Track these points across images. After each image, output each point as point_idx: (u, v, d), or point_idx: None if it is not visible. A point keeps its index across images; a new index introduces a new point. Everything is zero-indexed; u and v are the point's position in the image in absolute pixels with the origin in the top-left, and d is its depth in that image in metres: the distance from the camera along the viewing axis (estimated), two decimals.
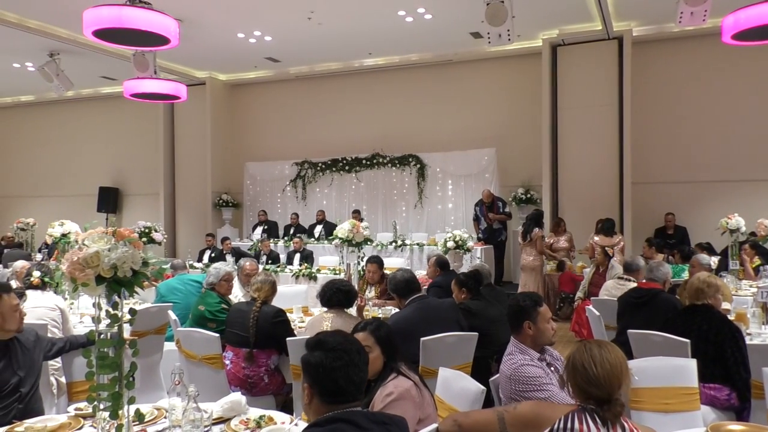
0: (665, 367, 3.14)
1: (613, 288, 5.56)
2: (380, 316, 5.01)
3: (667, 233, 9.81)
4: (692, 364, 3.15)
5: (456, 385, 2.84)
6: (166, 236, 11.05)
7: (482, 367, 4.02)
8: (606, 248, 7.21)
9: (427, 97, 12.04)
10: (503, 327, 3.87)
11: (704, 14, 6.93)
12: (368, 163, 12.25)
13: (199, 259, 10.17)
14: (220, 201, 13.05)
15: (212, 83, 12.96)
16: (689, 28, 8.33)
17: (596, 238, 8.09)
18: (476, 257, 8.98)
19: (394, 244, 10.16)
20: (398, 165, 12.05)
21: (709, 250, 7.76)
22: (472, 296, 4.57)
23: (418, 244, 10.12)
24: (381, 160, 12.12)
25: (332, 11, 8.96)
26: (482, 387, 2.69)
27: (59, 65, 10.65)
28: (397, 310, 5.00)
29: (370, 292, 5.62)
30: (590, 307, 5.13)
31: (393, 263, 8.63)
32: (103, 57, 10.66)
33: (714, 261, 6.98)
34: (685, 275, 6.25)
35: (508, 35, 7.41)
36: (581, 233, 9.27)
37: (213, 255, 10.26)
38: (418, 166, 11.90)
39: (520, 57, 11.13)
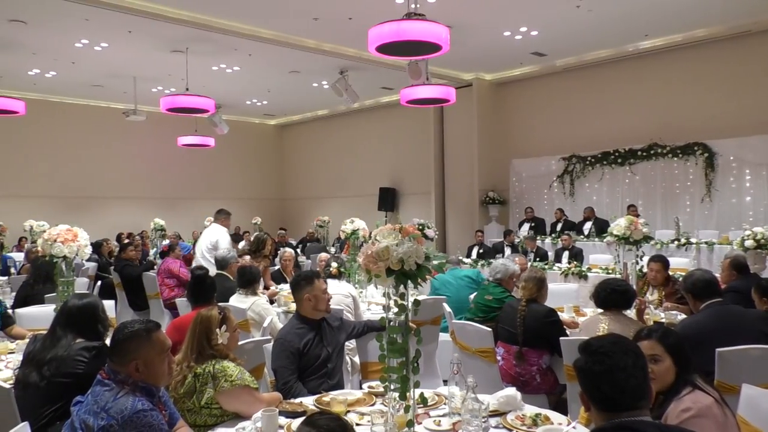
0: None
1: None
2: (663, 320, 4.58)
3: None
4: None
5: None
6: (437, 233, 11.72)
7: None
8: None
9: (717, 77, 10.57)
10: None
11: None
12: (644, 154, 11.29)
13: (468, 255, 10.52)
14: (487, 198, 13.32)
15: (478, 84, 13.28)
16: None
17: None
18: None
19: (676, 242, 9.18)
20: (681, 155, 10.86)
21: None
22: None
23: (706, 242, 8.98)
24: (659, 150, 11.05)
25: None
26: None
27: (347, 81, 12.05)
28: (684, 316, 4.53)
29: (652, 294, 5.16)
30: None
31: (676, 263, 7.80)
32: (383, 69, 11.74)
33: None
34: None
35: None
36: None
37: (481, 251, 10.54)
38: (706, 155, 10.55)
39: None
